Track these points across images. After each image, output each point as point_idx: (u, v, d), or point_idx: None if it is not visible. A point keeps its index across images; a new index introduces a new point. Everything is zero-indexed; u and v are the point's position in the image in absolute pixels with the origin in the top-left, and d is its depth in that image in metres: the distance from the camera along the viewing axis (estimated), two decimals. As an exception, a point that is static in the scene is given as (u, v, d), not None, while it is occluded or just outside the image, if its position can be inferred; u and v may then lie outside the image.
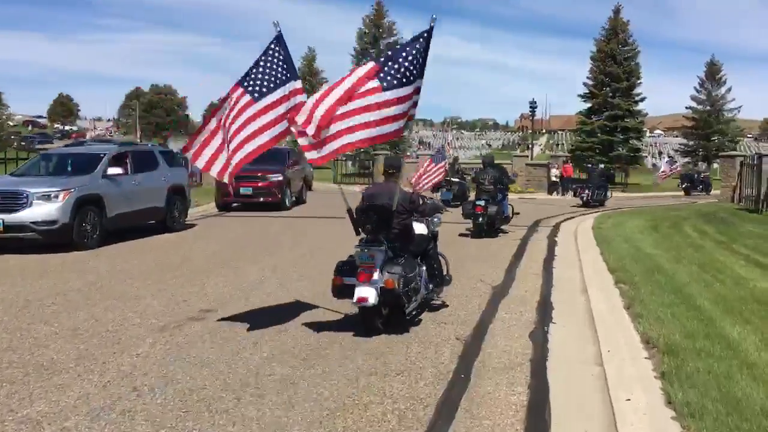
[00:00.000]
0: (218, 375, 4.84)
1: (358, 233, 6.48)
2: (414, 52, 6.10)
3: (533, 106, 40.90)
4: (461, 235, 13.73)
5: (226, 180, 6.30)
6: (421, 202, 7.15)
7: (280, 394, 4.47)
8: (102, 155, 11.87)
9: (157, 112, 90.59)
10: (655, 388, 4.54)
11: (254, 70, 6.30)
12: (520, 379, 4.91)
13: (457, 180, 23.56)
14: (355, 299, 6.00)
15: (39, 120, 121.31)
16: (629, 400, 4.38)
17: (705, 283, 8.20)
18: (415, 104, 6.18)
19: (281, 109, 6.22)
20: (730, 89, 54.72)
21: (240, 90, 6.23)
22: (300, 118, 5.88)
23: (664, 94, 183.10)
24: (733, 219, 18.77)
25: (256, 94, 6.21)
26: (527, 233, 14.28)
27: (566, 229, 15.31)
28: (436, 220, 7.49)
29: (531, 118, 41.37)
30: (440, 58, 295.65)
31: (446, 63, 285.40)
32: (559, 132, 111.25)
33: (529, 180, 33.47)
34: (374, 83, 6.00)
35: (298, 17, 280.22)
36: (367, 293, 5.95)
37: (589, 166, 31.56)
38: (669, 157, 45.74)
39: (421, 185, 18.79)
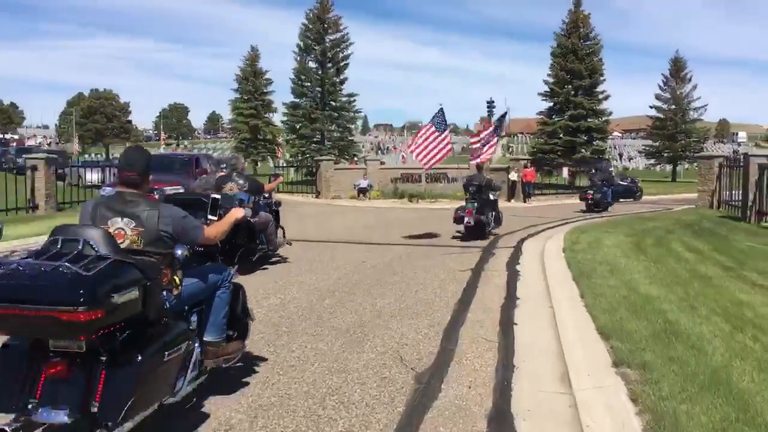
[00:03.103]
0: None
1: (466, 195, 14.69)
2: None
3: (491, 105, 38.02)
4: (576, 211, 23.47)
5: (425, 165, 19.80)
6: (493, 184, 15.27)
7: None
8: None
9: (97, 118, 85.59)
10: None
11: (435, 119, 18.84)
12: None
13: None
14: (464, 222, 13.74)
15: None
16: None
17: (755, 360, 5.10)
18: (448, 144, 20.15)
19: (445, 140, 19.61)
20: (695, 87, 52.68)
21: (431, 125, 19.03)
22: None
23: (620, 97, 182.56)
24: (722, 230, 15.99)
25: (440, 130, 18.83)
26: (481, 259, 11.12)
27: (530, 250, 12.17)
28: (497, 192, 15.47)
29: (489, 117, 38.47)
30: (399, 63, 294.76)
31: (405, 68, 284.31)
32: (519, 135, 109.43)
33: (488, 186, 30.45)
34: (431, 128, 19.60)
35: (246, 19, 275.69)
36: (471, 220, 13.72)
37: None
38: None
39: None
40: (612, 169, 28.99)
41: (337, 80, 45.82)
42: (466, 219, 13.84)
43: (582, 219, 20.13)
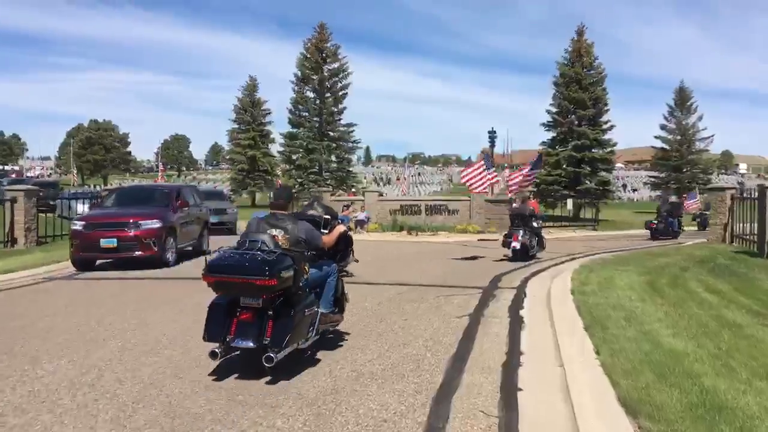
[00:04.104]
0: None
1: (512, 224, 17.42)
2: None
3: (492, 135, 37.04)
4: (644, 239, 27.57)
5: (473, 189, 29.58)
6: (535, 213, 18.34)
7: None
8: None
9: (95, 149, 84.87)
10: None
11: (484, 161, 30.80)
12: None
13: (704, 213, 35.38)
14: (511, 246, 16.40)
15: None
16: None
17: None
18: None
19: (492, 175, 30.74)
20: (701, 117, 51.70)
21: (483, 163, 30.29)
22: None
23: (620, 128, 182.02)
24: (740, 267, 14.92)
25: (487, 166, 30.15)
26: (480, 302, 10.01)
27: (535, 292, 11.07)
28: (540, 221, 18.69)
29: (491, 147, 37.50)
30: (401, 95, 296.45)
31: (407, 100, 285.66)
32: (522, 166, 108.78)
33: (490, 219, 29.45)
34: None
35: (249, 51, 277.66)
36: (517, 244, 16.38)
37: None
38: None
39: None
40: (698, 199, 34.46)
41: (336, 110, 44.99)
42: (512, 243, 16.59)
43: (585, 255, 19.05)
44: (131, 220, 13.75)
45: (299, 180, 43.90)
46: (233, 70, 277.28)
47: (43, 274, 13.43)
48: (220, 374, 5.88)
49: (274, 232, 6.03)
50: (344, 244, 7.44)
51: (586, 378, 5.79)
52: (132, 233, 13.56)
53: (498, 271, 14.02)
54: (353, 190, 43.34)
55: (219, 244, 20.22)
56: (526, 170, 29.23)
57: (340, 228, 7.04)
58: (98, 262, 14.30)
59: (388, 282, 12.04)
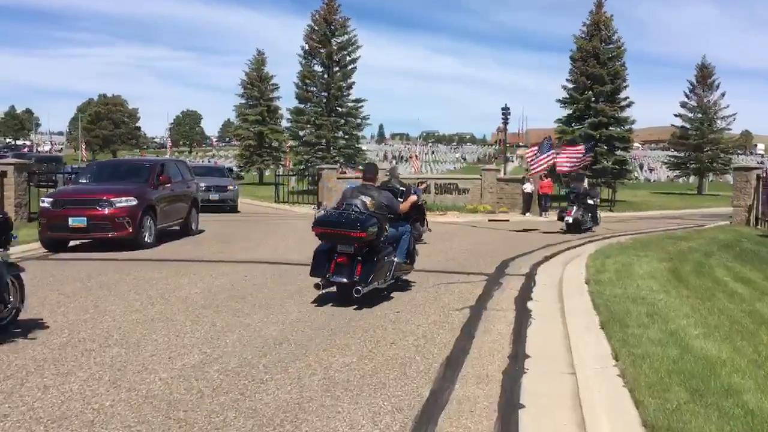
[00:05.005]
0: None
1: (568, 201, 20.35)
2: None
3: (506, 112, 35.78)
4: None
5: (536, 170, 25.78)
6: (591, 191, 21.01)
7: None
8: None
9: (103, 124, 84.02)
10: None
11: (540, 145, 25.58)
12: None
13: None
14: (565, 220, 19.05)
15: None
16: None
17: None
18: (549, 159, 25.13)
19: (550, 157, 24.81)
20: (723, 95, 49.90)
21: (536, 148, 25.79)
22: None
23: (639, 107, 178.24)
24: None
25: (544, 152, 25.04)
26: (484, 291, 9.02)
27: (546, 280, 10.06)
28: (596, 198, 20.98)
29: (504, 124, 36.24)
30: (415, 73, 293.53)
31: (421, 77, 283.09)
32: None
33: (501, 198, 28.39)
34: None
35: (263, 27, 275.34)
36: (570, 218, 19.01)
37: None
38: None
39: None
40: None
41: (344, 85, 43.65)
42: (566, 218, 19.06)
43: (603, 238, 18.01)
44: (104, 198, 12.77)
45: (306, 157, 42.79)
46: (246, 45, 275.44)
47: (18, 253, 12.53)
48: (166, 380, 4.95)
49: (364, 198, 7.97)
50: (416, 211, 9.37)
51: (602, 392, 4.81)
52: (104, 211, 12.58)
53: (509, 254, 13.00)
54: (360, 167, 42.20)
55: (218, 222, 19.39)
56: (578, 150, 26.87)
57: (413, 198, 9.06)
58: (72, 242, 13.42)
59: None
